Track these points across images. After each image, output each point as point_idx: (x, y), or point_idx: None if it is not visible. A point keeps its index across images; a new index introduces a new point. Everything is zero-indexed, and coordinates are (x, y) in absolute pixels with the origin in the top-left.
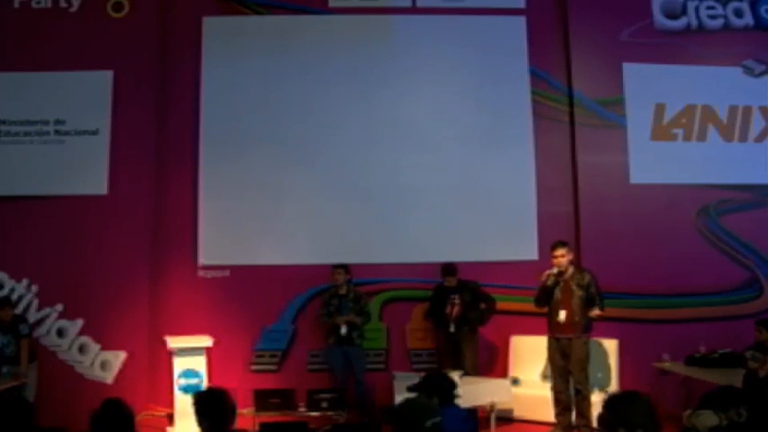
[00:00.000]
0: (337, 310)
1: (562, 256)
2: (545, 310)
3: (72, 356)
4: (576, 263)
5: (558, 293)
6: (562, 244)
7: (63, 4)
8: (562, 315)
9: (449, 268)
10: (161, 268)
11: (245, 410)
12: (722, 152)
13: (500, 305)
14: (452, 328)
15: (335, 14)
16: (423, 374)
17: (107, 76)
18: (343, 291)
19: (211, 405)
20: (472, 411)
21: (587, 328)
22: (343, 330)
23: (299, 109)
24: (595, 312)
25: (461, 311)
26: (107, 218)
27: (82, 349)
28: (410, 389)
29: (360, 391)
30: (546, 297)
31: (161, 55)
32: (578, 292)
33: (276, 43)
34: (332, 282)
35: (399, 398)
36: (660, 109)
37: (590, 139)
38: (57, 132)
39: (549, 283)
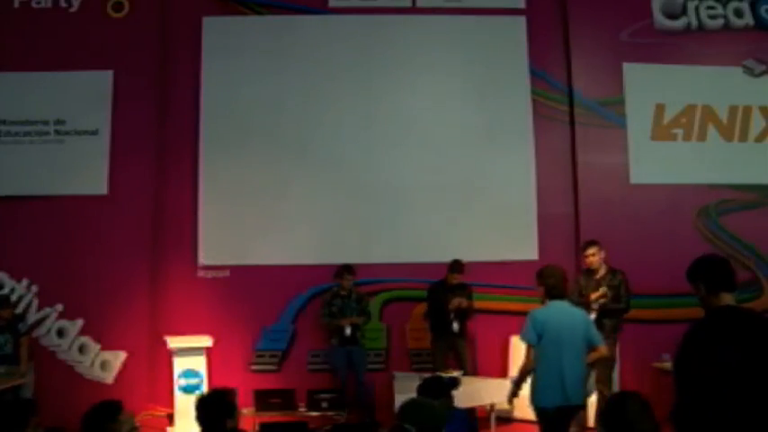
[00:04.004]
0: (340, 311)
1: (593, 255)
2: None
3: (72, 356)
4: (608, 263)
5: (589, 294)
6: (592, 243)
7: (63, 4)
8: (592, 316)
9: (460, 266)
10: (161, 268)
11: (245, 410)
12: (722, 152)
13: (500, 305)
14: (456, 327)
15: (335, 14)
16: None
17: (107, 76)
18: (345, 291)
19: (208, 408)
20: (471, 412)
21: (615, 329)
22: (348, 331)
23: (298, 109)
24: (596, 294)
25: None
26: (107, 218)
27: (82, 349)
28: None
29: (361, 390)
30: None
31: (161, 55)
32: (609, 294)
33: (276, 43)
34: (338, 283)
35: (399, 398)
36: (660, 109)
37: (590, 139)
38: (57, 132)
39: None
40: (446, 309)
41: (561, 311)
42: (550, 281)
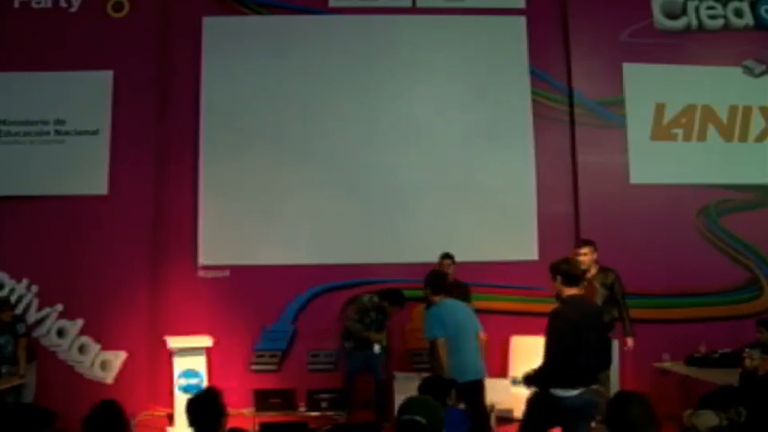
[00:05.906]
0: (373, 323)
1: (585, 255)
2: None
3: (72, 356)
4: (599, 262)
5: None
6: (585, 243)
7: (63, 4)
8: None
9: (449, 255)
10: (161, 268)
11: (245, 410)
12: (722, 152)
13: (500, 305)
14: None
15: (335, 14)
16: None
17: (107, 76)
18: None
19: (200, 409)
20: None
21: (610, 327)
22: (377, 349)
23: (299, 109)
24: (629, 344)
25: None
26: (107, 218)
27: (82, 349)
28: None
29: (381, 390)
30: None
31: (161, 55)
32: (602, 291)
33: (276, 43)
34: (372, 295)
35: (399, 398)
36: (660, 109)
37: (590, 139)
38: (57, 132)
39: None
40: None
41: (453, 306)
42: (437, 282)
